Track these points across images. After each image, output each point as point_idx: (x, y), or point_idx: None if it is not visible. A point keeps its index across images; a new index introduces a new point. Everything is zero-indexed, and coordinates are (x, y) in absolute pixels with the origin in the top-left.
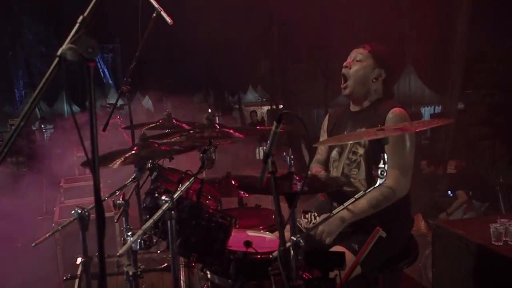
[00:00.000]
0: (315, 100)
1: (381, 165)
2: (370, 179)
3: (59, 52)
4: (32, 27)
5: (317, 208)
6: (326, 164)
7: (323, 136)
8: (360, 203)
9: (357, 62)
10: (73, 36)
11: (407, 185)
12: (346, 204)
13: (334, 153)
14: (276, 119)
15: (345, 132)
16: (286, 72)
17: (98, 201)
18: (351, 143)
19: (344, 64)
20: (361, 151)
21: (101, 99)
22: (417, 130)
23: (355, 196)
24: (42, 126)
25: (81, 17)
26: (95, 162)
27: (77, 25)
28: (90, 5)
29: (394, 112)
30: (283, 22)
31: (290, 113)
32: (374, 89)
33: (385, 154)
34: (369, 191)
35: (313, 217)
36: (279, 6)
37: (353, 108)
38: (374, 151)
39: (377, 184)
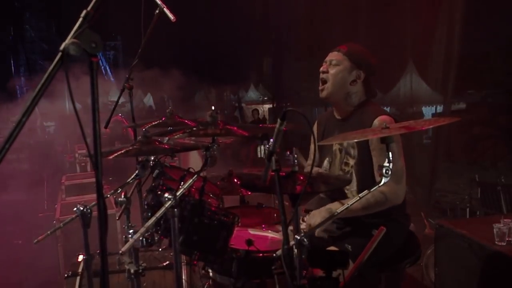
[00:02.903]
0: (316, 98)
1: (386, 163)
2: (362, 191)
3: (62, 47)
4: (34, 24)
5: (317, 207)
6: None
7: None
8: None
9: (333, 66)
10: (76, 30)
11: (402, 192)
12: (350, 202)
13: (326, 163)
14: (280, 116)
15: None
16: (288, 71)
17: (101, 197)
18: (341, 154)
19: (321, 69)
20: (351, 162)
21: (103, 96)
22: (423, 128)
23: (359, 195)
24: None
25: (84, 12)
26: (98, 159)
27: (81, 19)
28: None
29: (380, 121)
30: (284, 21)
31: (294, 110)
32: (354, 92)
33: (390, 153)
34: (374, 189)
35: None
36: (280, 4)
37: (337, 114)
38: (363, 162)
39: (381, 183)
